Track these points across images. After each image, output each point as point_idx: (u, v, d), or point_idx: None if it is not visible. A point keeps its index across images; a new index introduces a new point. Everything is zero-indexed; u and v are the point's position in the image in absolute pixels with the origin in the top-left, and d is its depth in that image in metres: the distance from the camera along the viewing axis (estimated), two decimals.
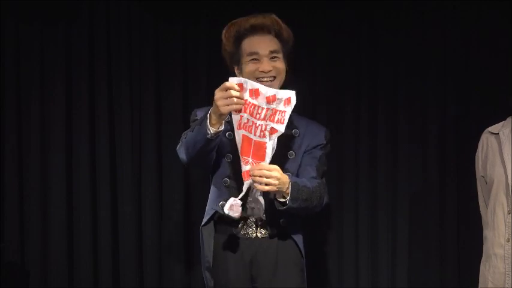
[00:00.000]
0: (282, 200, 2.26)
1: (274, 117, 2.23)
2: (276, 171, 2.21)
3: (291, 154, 2.41)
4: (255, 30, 2.39)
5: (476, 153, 2.68)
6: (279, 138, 2.34)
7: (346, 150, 3.28)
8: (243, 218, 2.38)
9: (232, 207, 2.23)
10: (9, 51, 3.22)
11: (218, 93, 2.17)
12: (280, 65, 2.40)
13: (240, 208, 2.24)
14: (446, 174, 3.25)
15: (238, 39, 2.41)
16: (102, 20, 3.24)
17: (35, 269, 3.25)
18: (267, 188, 2.20)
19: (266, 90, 2.22)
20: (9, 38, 3.22)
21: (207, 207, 2.45)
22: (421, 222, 3.11)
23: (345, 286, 3.31)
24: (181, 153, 2.35)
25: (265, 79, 2.37)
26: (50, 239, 3.25)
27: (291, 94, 2.23)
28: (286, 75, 2.42)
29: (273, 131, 2.24)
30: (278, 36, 2.41)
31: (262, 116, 2.22)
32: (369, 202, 3.30)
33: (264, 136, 2.23)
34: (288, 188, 2.24)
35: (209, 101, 3.03)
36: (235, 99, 2.16)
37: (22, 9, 3.19)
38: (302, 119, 2.50)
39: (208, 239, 2.41)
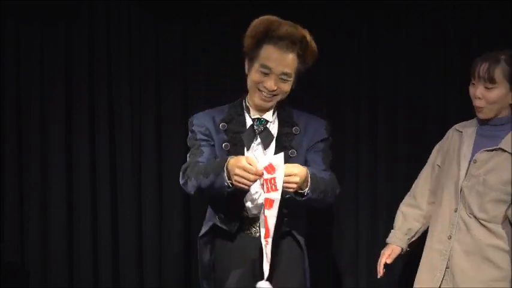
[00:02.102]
0: (300, 191, 2.24)
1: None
2: (296, 176, 2.17)
3: (293, 153, 2.40)
4: (280, 40, 2.32)
5: (440, 144, 2.73)
6: (280, 137, 2.36)
7: (346, 150, 3.28)
8: (245, 218, 2.39)
9: None
10: (9, 51, 3.22)
11: (237, 170, 2.15)
12: (286, 87, 2.38)
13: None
14: None
15: (261, 40, 2.34)
16: (102, 20, 3.24)
17: (35, 269, 3.25)
18: (291, 190, 2.19)
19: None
20: (9, 38, 3.21)
21: (206, 219, 2.48)
22: None
23: (345, 286, 3.31)
24: (190, 189, 2.36)
25: (265, 94, 2.36)
26: (50, 239, 3.25)
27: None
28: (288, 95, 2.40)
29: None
30: (300, 56, 2.36)
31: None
32: (368, 202, 3.30)
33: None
34: (307, 179, 2.22)
35: (209, 101, 3.07)
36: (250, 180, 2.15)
37: (22, 9, 3.19)
38: (302, 115, 2.50)
39: (205, 248, 2.44)
